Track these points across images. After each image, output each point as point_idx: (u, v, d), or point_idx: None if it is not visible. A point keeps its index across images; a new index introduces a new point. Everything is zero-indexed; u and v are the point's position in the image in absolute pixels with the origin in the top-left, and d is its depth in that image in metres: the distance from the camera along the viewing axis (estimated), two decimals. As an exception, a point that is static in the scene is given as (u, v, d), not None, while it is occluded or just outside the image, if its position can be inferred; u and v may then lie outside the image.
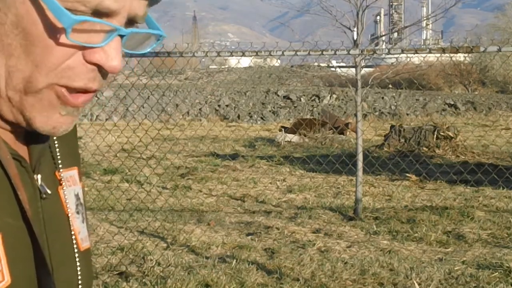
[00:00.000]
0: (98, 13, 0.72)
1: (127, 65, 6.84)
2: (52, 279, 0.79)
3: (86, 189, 8.98)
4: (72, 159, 0.92)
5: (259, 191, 9.33)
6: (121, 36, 0.75)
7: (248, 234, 6.79)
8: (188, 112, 25.67)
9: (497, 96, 31.41)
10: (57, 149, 0.88)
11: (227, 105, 27.36)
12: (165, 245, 6.33)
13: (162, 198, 8.11)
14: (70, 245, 0.87)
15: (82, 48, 0.73)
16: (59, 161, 0.87)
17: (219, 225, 7.23)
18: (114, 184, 9.27)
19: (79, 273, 0.87)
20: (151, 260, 5.70)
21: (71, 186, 0.89)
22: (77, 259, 0.87)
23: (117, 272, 5.47)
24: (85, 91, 0.75)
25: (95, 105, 22.06)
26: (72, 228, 0.88)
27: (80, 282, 0.87)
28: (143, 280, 5.20)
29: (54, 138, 0.87)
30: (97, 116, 22.32)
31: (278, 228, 6.96)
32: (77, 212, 0.90)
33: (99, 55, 0.73)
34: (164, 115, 20.63)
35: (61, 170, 0.87)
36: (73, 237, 0.88)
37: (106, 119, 17.29)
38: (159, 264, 5.60)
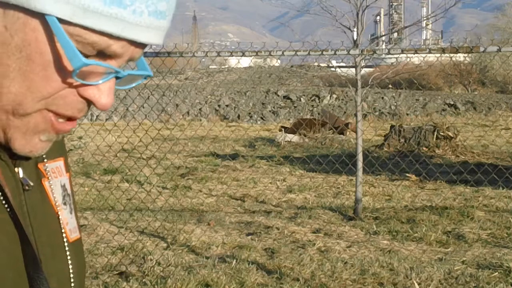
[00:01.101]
0: (103, 54, 0.74)
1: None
2: (42, 271, 0.79)
3: (86, 189, 9.01)
4: (57, 150, 0.92)
5: (259, 191, 9.34)
6: (117, 77, 0.77)
7: (248, 234, 6.79)
8: (188, 112, 25.67)
9: (497, 96, 31.41)
10: None
11: (227, 105, 27.36)
12: (165, 245, 6.33)
13: (162, 198, 8.11)
14: (58, 236, 0.86)
15: (81, 85, 0.75)
16: (43, 154, 0.87)
17: (219, 225, 7.23)
18: (114, 184, 9.27)
19: (70, 264, 0.87)
20: (151, 260, 5.70)
21: (57, 178, 0.89)
22: (66, 250, 0.87)
23: (117, 272, 5.48)
24: (69, 118, 0.77)
25: (95, 105, 22.04)
26: (60, 219, 0.87)
27: (71, 273, 0.87)
28: (143, 280, 5.20)
29: None
30: (97, 116, 22.31)
31: (278, 228, 6.96)
32: (64, 203, 0.89)
33: (92, 91, 0.75)
34: (164, 115, 20.64)
35: (45, 162, 0.88)
36: (62, 228, 0.87)
37: (106, 119, 17.30)
38: (159, 264, 5.61)
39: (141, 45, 0.77)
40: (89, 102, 0.77)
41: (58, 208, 0.87)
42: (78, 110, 0.77)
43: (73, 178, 10.28)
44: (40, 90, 0.73)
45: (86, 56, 0.73)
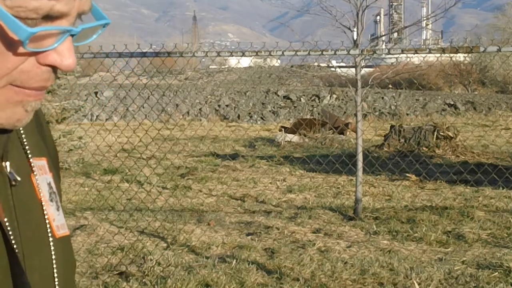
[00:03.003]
0: (49, 17, 0.73)
1: (127, 65, 6.84)
2: (22, 267, 0.79)
3: (86, 189, 9.00)
4: (40, 149, 0.92)
5: (259, 191, 9.33)
6: (72, 35, 0.76)
7: (248, 234, 6.79)
8: (188, 112, 25.68)
9: (497, 96, 31.40)
10: (24, 138, 0.88)
11: (227, 105, 27.36)
12: (165, 245, 6.33)
13: (162, 198, 8.11)
14: (44, 232, 0.86)
15: (36, 53, 0.74)
16: (28, 150, 0.88)
17: (219, 225, 7.23)
18: (114, 184, 9.27)
19: (54, 259, 0.87)
20: (151, 260, 5.70)
21: (43, 175, 0.89)
22: (51, 246, 0.87)
23: (117, 272, 5.48)
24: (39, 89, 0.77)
25: (95, 105, 22.06)
26: (46, 214, 0.87)
27: (55, 268, 0.87)
28: (143, 280, 5.20)
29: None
30: (97, 116, 22.30)
31: (278, 228, 6.96)
32: (51, 200, 0.89)
33: (52, 56, 0.75)
34: (164, 115, 20.63)
35: (31, 159, 0.88)
36: (48, 223, 0.87)
37: (106, 119, 17.29)
38: (159, 264, 5.61)
39: None
40: (54, 68, 0.76)
41: (44, 204, 0.87)
42: (45, 80, 0.76)
43: (73, 178, 10.30)
44: None
45: (34, 23, 0.72)
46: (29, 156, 0.88)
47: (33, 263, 0.82)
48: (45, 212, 0.87)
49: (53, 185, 0.91)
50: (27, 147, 0.88)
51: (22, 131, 0.88)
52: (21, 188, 0.83)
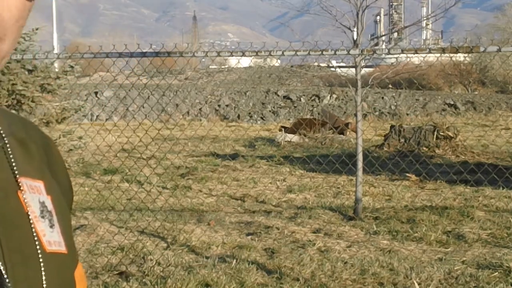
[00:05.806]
0: None
1: (127, 65, 6.84)
2: (3, 278, 0.79)
3: (86, 189, 8.99)
4: (37, 171, 0.92)
5: (259, 191, 9.33)
6: None
7: (248, 234, 6.79)
8: (188, 112, 25.68)
9: (497, 96, 31.39)
10: (11, 156, 0.88)
11: (227, 105, 27.36)
12: (165, 245, 6.33)
13: (162, 198, 8.11)
14: (32, 244, 0.85)
15: None
16: (15, 168, 0.88)
17: (219, 225, 7.23)
18: (114, 184, 9.27)
19: (43, 272, 0.86)
20: (151, 260, 5.70)
21: (35, 194, 0.89)
22: (40, 258, 0.86)
23: (117, 272, 5.48)
24: None
25: (95, 105, 22.06)
26: (33, 228, 0.86)
27: (45, 281, 0.85)
28: (143, 280, 5.20)
29: (8, 145, 0.88)
30: (97, 116, 22.30)
31: (278, 228, 6.96)
32: (42, 217, 0.89)
33: None
34: (164, 115, 20.63)
35: (17, 176, 0.88)
36: (35, 237, 0.86)
37: (106, 119, 17.30)
38: (159, 264, 5.61)
39: None
40: None
41: (33, 219, 0.87)
42: None
43: (73, 178, 10.29)
44: None
45: None
46: (16, 173, 0.88)
47: (19, 276, 0.82)
48: (32, 226, 0.86)
49: (48, 205, 0.91)
50: (14, 165, 0.88)
51: (10, 151, 0.88)
52: (6, 202, 0.83)
